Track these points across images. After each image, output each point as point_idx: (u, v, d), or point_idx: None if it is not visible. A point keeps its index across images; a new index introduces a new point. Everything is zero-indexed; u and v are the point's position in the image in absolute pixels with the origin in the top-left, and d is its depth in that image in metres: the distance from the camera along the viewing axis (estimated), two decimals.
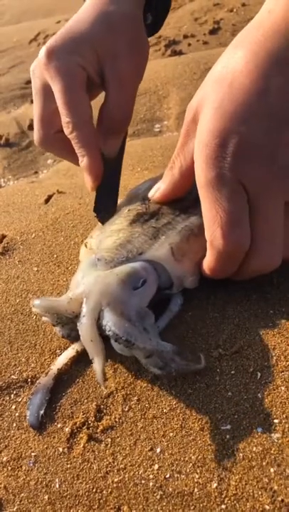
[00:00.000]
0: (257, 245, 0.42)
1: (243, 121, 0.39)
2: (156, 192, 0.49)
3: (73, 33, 0.50)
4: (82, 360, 0.45)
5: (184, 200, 0.50)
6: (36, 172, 1.01)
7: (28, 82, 1.42)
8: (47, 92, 0.51)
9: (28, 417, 0.42)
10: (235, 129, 0.39)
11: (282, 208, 0.41)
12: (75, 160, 0.53)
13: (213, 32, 1.54)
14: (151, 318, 0.43)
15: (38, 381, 0.44)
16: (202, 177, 0.41)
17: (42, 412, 0.41)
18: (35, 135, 0.55)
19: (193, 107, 0.43)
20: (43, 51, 0.49)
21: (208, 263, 0.44)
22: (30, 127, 1.13)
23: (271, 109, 0.39)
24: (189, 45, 1.48)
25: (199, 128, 0.42)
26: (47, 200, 0.72)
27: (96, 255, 0.47)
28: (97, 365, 0.40)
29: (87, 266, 0.47)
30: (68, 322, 0.44)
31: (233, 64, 0.41)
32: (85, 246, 0.51)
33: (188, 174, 0.46)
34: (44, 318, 0.46)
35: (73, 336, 0.45)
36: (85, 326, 0.41)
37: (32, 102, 1.25)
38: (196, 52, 1.42)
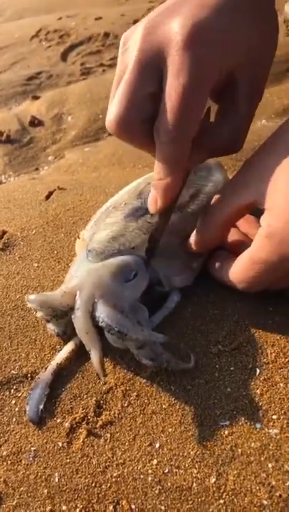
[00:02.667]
0: (276, 286, 0.44)
1: None
2: (192, 245, 0.47)
3: (208, 18, 0.38)
4: (81, 355, 0.45)
5: (180, 198, 0.51)
6: (37, 168, 1.01)
7: (30, 78, 1.42)
8: (151, 69, 0.39)
9: (27, 412, 0.42)
10: None
11: None
12: (150, 151, 0.43)
13: None
14: (145, 312, 0.43)
15: (37, 376, 0.44)
16: (266, 251, 0.40)
17: (41, 406, 0.42)
18: (114, 117, 0.41)
19: (258, 169, 0.41)
20: (179, 33, 0.38)
21: (220, 276, 0.47)
22: (31, 124, 1.13)
23: None
24: None
25: (275, 201, 0.39)
26: (48, 197, 0.72)
27: (88, 247, 0.47)
28: (94, 356, 0.41)
29: (80, 259, 0.48)
30: (63, 316, 0.44)
31: None
32: (78, 237, 0.52)
33: (225, 228, 0.45)
34: (38, 314, 0.46)
35: (68, 334, 0.46)
36: (79, 318, 0.42)
37: (33, 98, 1.26)
38: None
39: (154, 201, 0.44)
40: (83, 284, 0.43)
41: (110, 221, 0.50)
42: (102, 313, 0.41)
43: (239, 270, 0.43)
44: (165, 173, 0.42)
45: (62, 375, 0.44)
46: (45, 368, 0.44)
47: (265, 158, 0.41)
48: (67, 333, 0.46)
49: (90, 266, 0.46)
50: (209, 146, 0.44)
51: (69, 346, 0.45)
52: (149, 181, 0.53)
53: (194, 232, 0.47)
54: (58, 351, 0.46)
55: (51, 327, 0.47)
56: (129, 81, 0.40)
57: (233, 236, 0.49)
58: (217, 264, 0.47)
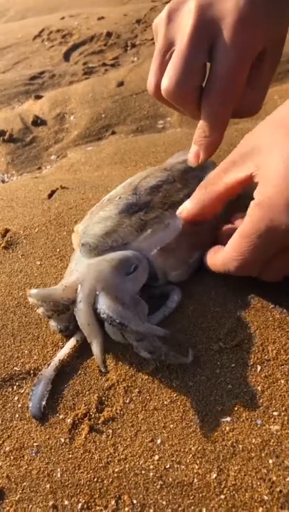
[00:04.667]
0: (271, 268, 0.44)
1: None
2: (184, 210, 0.49)
3: (264, 8, 0.45)
4: (84, 353, 0.46)
5: (173, 195, 0.51)
6: (40, 167, 1.01)
7: (32, 78, 1.42)
8: (204, 42, 0.45)
9: (30, 408, 0.42)
10: None
11: None
12: (195, 115, 0.49)
13: None
14: (145, 306, 0.44)
15: (40, 372, 0.44)
16: (255, 220, 0.41)
17: (44, 402, 0.42)
18: (172, 84, 0.46)
19: (256, 144, 0.43)
20: (239, 7, 0.44)
21: (213, 264, 0.47)
22: (34, 123, 1.14)
23: None
24: None
25: (268, 171, 0.41)
26: (50, 195, 0.72)
27: (81, 240, 0.48)
28: (95, 347, 0.41)
29: (79, 254, 0.49)
30: (64, 311, 0.45)
31: None
32: (73, 231, 0.53)
33: (219, 201, 0.46)
34: (39, 310, 0.46)
35: (71, 329, 0.46)
36: (81, 311, 0.43)
37: (36, 97, 1.26)
38: None
39: (196, 155, 0.50)
40: (84, 277, 0.44)
41: (104, 215, 0.50)
42: (104, 305, 0.42)
43: (231, 247, 0.43)
44: (211, 130, 0.48)
45: (64, 372, 0.45)
46: (48, 365, 0.44)
47: (262, 134, 0.44)
48: (70, 328, 0.46)
49: (89, 260, 0.47)
50: (240, 107, 0.49)
51: (71, 343, 0.46)
52: (144, 177, 0.54)
53: (188, 200, 0.49)
54: (61, 348, 0.46)
55: (53, 324, 0.47)
56: (185, 51, 0.45)
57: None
58: (211, 253, 0.48)
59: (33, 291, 0.44)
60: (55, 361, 0.45)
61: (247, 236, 0.41)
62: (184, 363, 0.42)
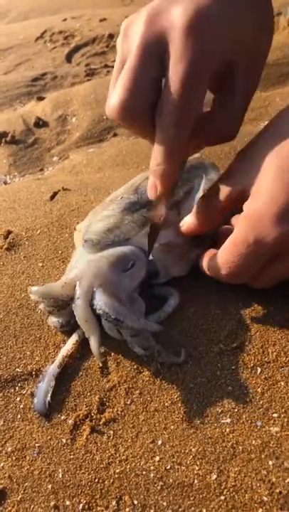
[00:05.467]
0: (261, 278, 0.44)
1: None
2: (184, 225, 0.49)
3: (209, 7, 0.39)
4: (85, 354, 0.46)
5: (175, 194, 0.52)
6: (42, 169, 1.02)
7: (34, 79, 1.43)
8: (154, 55, 0.40)
9: (35, 405, 0.43)
10: None
11: None
12: (150, 137, 0.43)
13: None
14: (142, 304, 0.45)
15: (44, 370, 0.45)
16: (243, 232, 0.41)
17: (48, 398, 0.43)
18: (118, 102, 0.41)
19: (249, 160, 0.43)
20: (188, 13, 0.38)
21: (207, 268, 0.47)
22: (36, 124, 1.14)
23: None
24: None
25: (259, 185, 0.41)
26: (52, 197, 0.73)
27: (84, 236, 0.49)
28: (93, 342, 0.42)
29: (80, 251, 0.50)
30: (64, 307, 0.46)
31: None
32: (75, 229, 0.54)
33: (215, 216, 0.47)
34: (41, 306, 0.47)
35: (72, 324, 0.47)
36: (79, 307, 0.43)
37: (38, 99, 1.27)
38: None
39: (153, 187, 0.44)
40: (83, 274, 0.45)
41: (107, 213, 0.51)
42: (100, 301, 0.43)
43: (222, 253, 0.44)
44: (163, 158, 0.42)
45: (66, 373, 0.45)
46: (52, 362, 0.45)
47: (255, 149, 0.43)
48: (71, 323, 0.47)
49: (89, 257, 0.48)
50: (206, 134, 0.45)
51: (73, 339, 0.47)
52: (145, 177, 0.54)
53: (188, 215, 0.49)
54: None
55: (55, 319, 0.48)
56: (133, 66, 0.40)
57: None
58: (205, 258, 0.48)
59: (34, 288, 0.46)
60: (58, 358, 0.45)
61: (236, 246, 0.42)
62: (176, 362, 0.43)
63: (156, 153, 0.42)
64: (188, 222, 0.49)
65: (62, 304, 0.46)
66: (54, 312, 0.47)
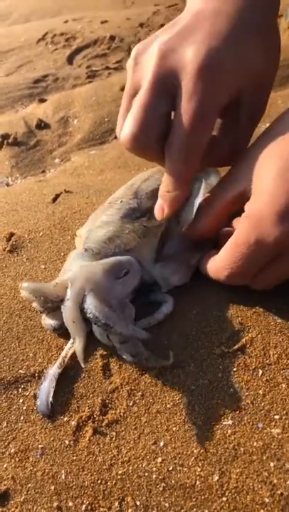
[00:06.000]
0: (260, 279, 0.45)
1: None
2: (187, 231, 0.50)
3: (230, 53, 0.41)
4: (87, 356, 0.46)
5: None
6: (44, 171, 1.02)
7: (36, 81, 1.43)
8: (165, 92, 0.43)
9: (38, 406, 0.43)
10: None
11: None
12: (161, 164, 0.47)
13: None
14: (132, 310, 0.46)
15: (46, 371, 0.45)
16: (244, 232, 0.41)
17: (50, 399, 0.43)
18: (130, 136, 0.44)
19: (250, 161, 0.43)
20: (200, 54, 0.41)
21: (208, 270, 0.48)
22: (38, 126, 1.15)
23: None
24: None
25: (259, 185, 0.41)
26: (54, 199, 0.73)
27: (84, 245, 0.49)
28: (77, 344, 0.43)
29: (75, 255, 0.50)
30: (54, 308, 0.46)
31: None
32: (75, 235, 0.54)
33: (217, 220, 0.47)
34: (34, 304, 0.48)
35: (64, 328, 0.47)
36: (68, 308, 0.44)
37: (40, 101, 1.27)
38: None
39: (160, 210, 0.47)
40: (76, 277, 0.45)
41: (106, 219, 0.51)
42: (91, 304, 0.43)
43: (223, 255, 0.44)
44: (174, 186, 0.45)
45: (68, 375, 0.45)
46: (53, 364, 0.46)
47: (255, 151, 0.43)
48: (64, 327, 0.47)
49: (83, 262, 0.48)
50: (211, 157, 0.47)
51: (71, 340, 0.47)
52: (144, 179, 0.55)
53: (192, 221, 0.50)
54: None
55: (48, 322, 0.49)
56: (144, 102, 0.43)
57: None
58: (206, 259, 0.48)
59: (25, 284, 0.46)
60: (60, 359, 0.46)
61: (237, 247, 0.42)
62: (165, 365, 0.44)
63: (166, 181, 0.45)
64: (191, 227, 0.50)
65: (51, 306, 0.46)
66: (45, 313, 0.48)
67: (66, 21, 1.91)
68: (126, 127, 0.44)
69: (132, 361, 0.44)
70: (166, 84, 0.42)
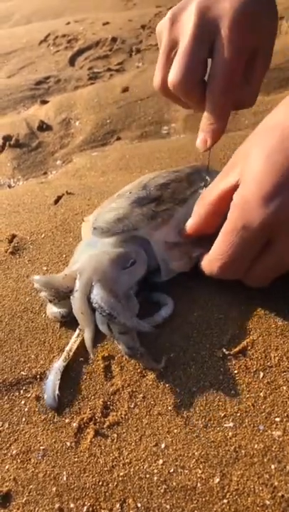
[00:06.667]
0: (254, 272, 0.45)
1: None
2: (186, 227, 0.50)
3: (257, 10, 0.50)
4: (89, 357, 0.46)
5: (182, 192, 0.54)
6: (45, 173, 1.02)
7: (38, 83, 1.44)
8: (205, 40, 0.50)
9: (45, 400, 0.44)
10: (283, 188, 0.39)
11: None
12: (200, 108, 0.53)
13: None
14: (136, 305, 0.46)
15: (47, 373, 0.46)
16: (233, 218, 0.42)
17: (57, 392, 0.44)
18: (177, 78, 0.51)
19: (243, 151, 0.45)
20: (234, 9, 0.49)
21: (203, 265, 0.48)
22: (40, 128, 1.15)
23: None
24: None
25: (246, 171, 0.42)
26: (56, 201, 0.73)
27: (93, 224, 0.50)
28: (86, 334, 0.44)
29: (84, 245, 0.51)
30: (64, 297, 0.47)
31: (287, 118, 0.42)
32: (83, 220, 0.55)
33: (215, 212, 0.47)
34: (42, 294, 0.49)
35: (72, 316, 0.47)
36: (77, 299, 0.45)
37: (42, 102, 1.27)
38: None
39: (204, 141, 0.54)
40: (84, 268, 0.46)
41: (116, 205, 0.52)
42: (97, 295, 0.44)
43: (214, 247, 0.45)
44: (215, 118, 0.52)
45: (70, 377, 0.46)
46: (59, 358, 0.47)
47: (246, 144, 0.46)
48: (72, 314, 0.47)
49: (91, 252, 0.49)
50: (235, 101, 0.53)
51: (76, 333, 0.48)
52: (152, 177, 0.56)
53: (190, 219, 0.50)
54: None
55: (55, 310, 0.49)
56: (188, 48, 0.50)
57: None
58: (203, 257, 0.48)
59: (36, 277, 0.48)
60: (64, 353, 0.47)
61: (226, 235, 0.43)
62: (155, 368, 0.44)
63: (209, 115, 0.52)
64: (189, 223, 0.50)
65: (62, 295, 0.47)
66: (55, 302, 0.49)
67: (68, 23, 1.91)
68: (173, 72, 0.51)
69: (126, 353, 0.44)
70: (205, 35, 0.50)
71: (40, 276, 0.48)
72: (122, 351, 0.44)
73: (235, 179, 0.44)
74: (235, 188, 0.44)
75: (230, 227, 0.42)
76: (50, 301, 0.49)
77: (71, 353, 0.47)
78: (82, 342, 0.47)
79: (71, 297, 0.46)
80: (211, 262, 0.46)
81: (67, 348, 0.47)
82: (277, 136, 0.41)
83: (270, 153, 0.41)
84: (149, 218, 0.50)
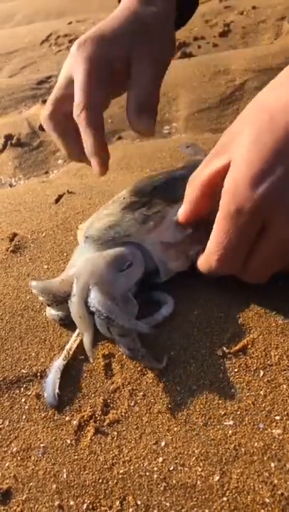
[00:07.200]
0: (251, 264, 0.43)
1: (282, 159, 0.38)
2: (179, 214, 0.49)
3: (105, 29, 0.54)
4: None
5: (175, 192, 0.53)
6: (47, 172, 1.03)
7: (39, 82, 1.44)
8: (70, 77, 0.53)
9: (46, 398, 0.44)
10: (273, 168, 0.38)
11: None
12: (69, 148, 0.56)
13: (223, 34, 1.55)
14: (135, 306, 0.46)
15: (48, 371, 0.46)
16: (224, 204, 0.41)
17: (57, 390, 0.44)
18: (44, 111, 0.55)
19: (232, 132, 0.44)
20: (75, 44, 0.53)
21: (200, 264, 0.47)
22: (42, 127, 1.15)
23: None
24: (199, 47, 1.49)
25: (236, 154, 0.41)
26: (57, 200, 0.74)
27: (85, 233, 0.50)
28: (85, 339, 0.44)
29: (80, 250, 0.51)
30: (62, 302, 0.47)
31: (277, 97, 0.41)
32: (78, 228, 0.56)
33: (205, 194, 0.46)
34: (40, 298, 0.50)
35: (70, 318, 0.47)
36: (74, 304, 0.45)
37: (43, 102, 1.27)
38: (205, 54, 1.43)
39: (93, 167, 0.53)
40: (80, 272, 0.46)
41: (107, 212, 0.53)
42: (94, 299, 0.44)
43: (210, 239, 0.44)
44: (88, 136, 0.51)
45: (70, 375, 0.46)
46: (59, 357, 0.47)
47: (236, 121, 0.44)
48: (69, 318, 0.47)
49: (87, 255, 0.49)
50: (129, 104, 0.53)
51: (76, 332, 0.48)
52: (144, 181, 0.56)
53: (181, 207, 0.49)
54: None
55: (54, 312, 0.50)
56: (55, 87, 0.56)
57: None
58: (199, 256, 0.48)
59: (34, 283, 0.48)
60: (64, 351, 0.47)
61: (220, 225, 0.42)
62: (156, 368, 0.44)
63: (84, 136, 0.52)
64: (181, 210, 0.49)
65: (60, 300, 0.47)
66: (53, 306, 0.49)
67: (70, 23, 1.92)
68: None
69: (127, 355, 0.45)
70: (70, 74, 0.54)
71: (37, 282, 0.48)
72: (124, 352, 0.45)
73: (226, 160, 0.42)
74: (226, 168, 0.42)
75: (223, 214, 0.41)
76: (49, 305, 0.50)
77: (71, 352, 0.47)
78: (82, 341, 0.47)
79: (69, 302, 0.46)
80: (207, 257, 0.44)
81: (67, 347, 0.47)
82: (267, 117, 0.40)
83: (260, 134, 0.40)
84: (141, 223, 0.50)
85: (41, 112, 0.56)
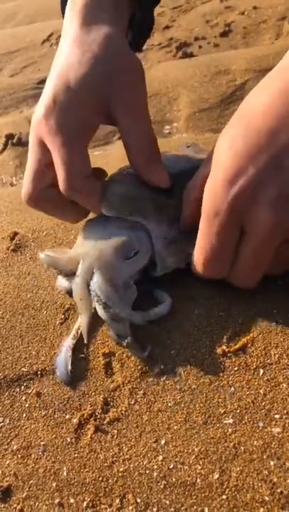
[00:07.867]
0: (238, 268, 0.43)
1: (253, 162, 0.39)
2: (180, 221, 0.50)
3: (68, 82, 0.46)
4: (89, 354, 0.47)
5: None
6: None
7: (41, 82, 1.44)
8: (43, 145, 0.48)
9: (59, 376, 0.45)
10: (245, 170, 0.39)
11: (277, 244, 0.41)
12: (65, 216, 0.53)
13: (224, 34, 1.55)
14: (134, 294, 0.47)
15: (61, 344, 0.48)
16: (204, 208, 0.42)
17: (70, 367, 0.45)
18: (24, 190, 0.49)
19: (220, 138, 0.44)
20: (41, 107, 0.47)
21: (192, 267, 0.47)
22: None
23: (283, 152, 0.38)
24: (200, 47, 1.49)
25: (214, 160, 0.42)
26: None
27: (104, 193, 0.49)
28: (83, 320, 0.46)
29: (93, 225, 0.51)
30: (71, 274, 0.48)
31: (256, 102, 0.42)
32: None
33: (198, 202, 0.45)
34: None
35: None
36: (77, 285, 0.46)
37: None
38: (206, 54, 1.43)
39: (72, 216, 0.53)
40: (87, 253, 0.47)
41: (127, 180, 0.51)
42: (96, 283, 0.45)
43: (196, 243, 0.44)
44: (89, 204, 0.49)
45: (71, 373, 0.46)
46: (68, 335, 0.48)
47: (220, 135, 0.44)
48: None
49: (98, 235, 0.49)
50: (139, 159, 0.49)
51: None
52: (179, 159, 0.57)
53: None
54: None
55: (63, 283, 0.51)
56: (29, 159, 0.49)
57: None
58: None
59: (42, 255, 0.50)
60: (72, 331, 0.48)
61: (203, 230, 0.42)
62: (140, 357, 0.45)
63: (84, 204, 0.50)
64: (181, 218, 0.49)
65: (69, 273, 0.49)
66: (62, 274, 0.51)
67: None
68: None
69: (114, 339, 0.46)
70: (40, 139, 0.48)
71: (46, 255, 0.50)
72: (111, 335, 0.46)
73: (208, 169, 0.43)
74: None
75: (203, 217, 0.42)
76: (58, 274, 0.51)
77: (80, 331, 0.48)
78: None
79: (72, 281, 0.47)
80: (195, 261, 0.45)
81: (75, 326, 0.48)
82: (242, 125, 0.41)
83: (234, 139, 0.41)
84: (157, 209, 0.49)
85: (22, 192, 0.50)
